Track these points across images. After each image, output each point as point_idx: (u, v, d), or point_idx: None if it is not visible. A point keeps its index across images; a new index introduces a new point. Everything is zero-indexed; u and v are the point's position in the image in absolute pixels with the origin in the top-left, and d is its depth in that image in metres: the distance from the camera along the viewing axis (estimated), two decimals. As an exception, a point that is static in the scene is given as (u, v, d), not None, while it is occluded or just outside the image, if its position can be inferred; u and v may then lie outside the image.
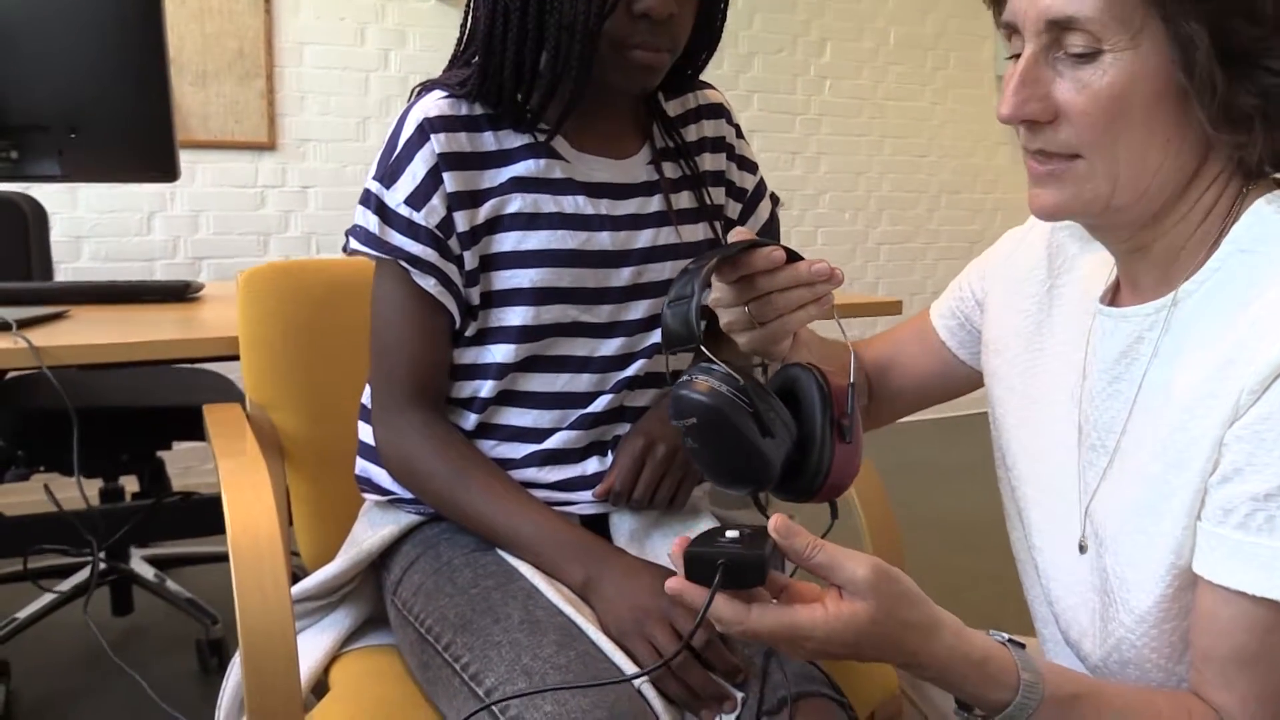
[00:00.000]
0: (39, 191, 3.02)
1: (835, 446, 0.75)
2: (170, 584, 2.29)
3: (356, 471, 1.11)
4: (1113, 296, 0.83)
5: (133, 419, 2.01)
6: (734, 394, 0.72)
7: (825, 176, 4.35)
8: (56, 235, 3.09)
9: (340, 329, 1.21)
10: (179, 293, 1.62)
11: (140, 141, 1.46)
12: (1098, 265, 0.86)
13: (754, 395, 0.72)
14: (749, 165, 1.16)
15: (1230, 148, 0.70)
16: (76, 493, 1.40)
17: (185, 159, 3.26)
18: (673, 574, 0.93)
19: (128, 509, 2.23)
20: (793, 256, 0.78)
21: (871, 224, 4.50)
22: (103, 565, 2.29)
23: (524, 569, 0.95)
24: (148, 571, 2.31)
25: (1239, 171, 0.73)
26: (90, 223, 3.14)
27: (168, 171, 1.49)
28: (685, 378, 0.73)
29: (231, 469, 0.95)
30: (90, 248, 3.14)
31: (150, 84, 1.44)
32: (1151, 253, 0.76)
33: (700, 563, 0.67)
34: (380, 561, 1.09)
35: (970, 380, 1.05)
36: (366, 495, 1.11)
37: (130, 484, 2.37)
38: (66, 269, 3.11)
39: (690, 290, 0.72)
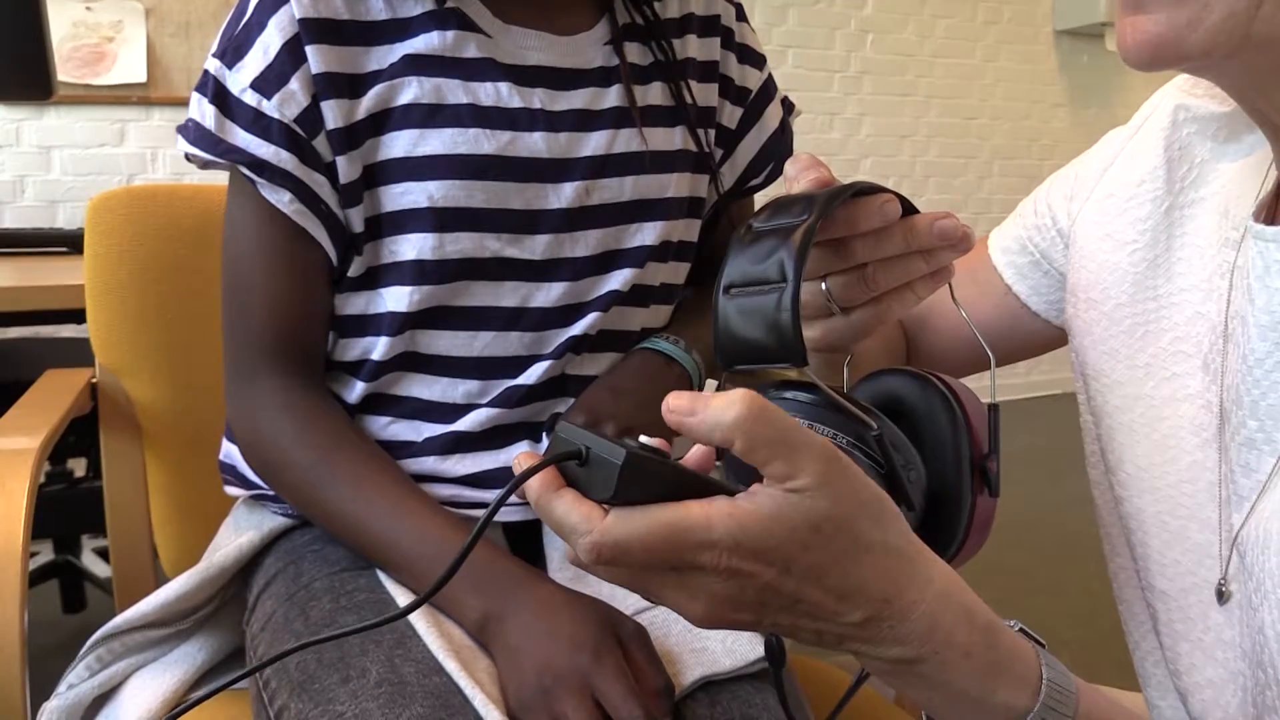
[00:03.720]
0: (7, 153, 2.83)
1: (977, 502, 0.53)
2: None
3: (220, 456, 0.85)
4: (1272, 213, 0.56)
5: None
6: (858, 448, 0.49)
7: (866, 140, 4.08)
8: (30, 200, 2.90)
9: (217, 273, 0.94)
10: (79, 242, 1.36)
11: (6, 55, 1.20)
12: (1243, 173, 0.60)
13: (889, 449, 0.49)
14: (753, 57, 0.88)
15: None
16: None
17: (168, 118, 3.07)
18: (612, 610, 0.67)
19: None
20: (907, 208, 0.53)
21: (917, 192, 4.21)
22: (51, 556, 2.10)
23: (404, 599, 0.68)
24: (100, 566, 2.09)
25: None
26: (66, 186, 2.94)
27: (41, 88, 1.24)
28: None
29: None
30: (65, 213, 2.94)
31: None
32: None
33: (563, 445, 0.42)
34: (244, 577, 0.82)
35: (1045, 339, 0.77)
36: (230, 489, 0.85)
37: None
38: (39, 235, 2.90)
39: (778, 271, 0.47)
